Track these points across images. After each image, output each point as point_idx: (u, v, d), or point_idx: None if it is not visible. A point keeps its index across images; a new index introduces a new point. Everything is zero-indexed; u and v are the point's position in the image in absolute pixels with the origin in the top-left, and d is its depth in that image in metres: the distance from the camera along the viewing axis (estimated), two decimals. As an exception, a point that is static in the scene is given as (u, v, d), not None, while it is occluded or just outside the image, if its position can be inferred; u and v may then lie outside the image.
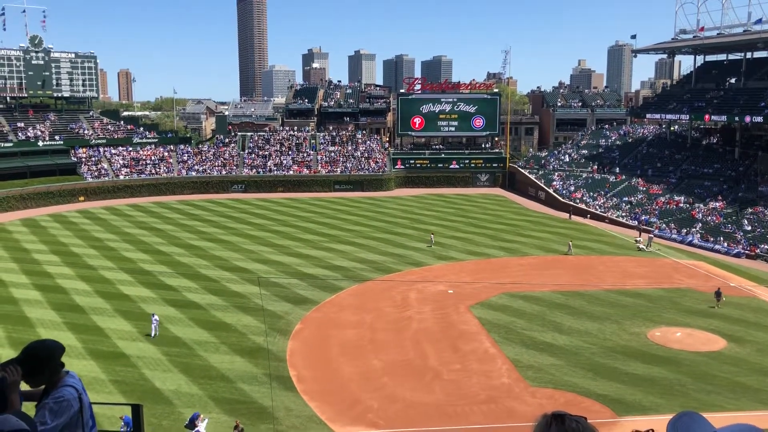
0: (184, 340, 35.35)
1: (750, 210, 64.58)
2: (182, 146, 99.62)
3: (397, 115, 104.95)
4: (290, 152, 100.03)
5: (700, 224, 64.61)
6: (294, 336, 36.31)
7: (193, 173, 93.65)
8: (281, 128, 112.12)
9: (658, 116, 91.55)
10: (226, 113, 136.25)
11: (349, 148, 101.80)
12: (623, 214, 72.97)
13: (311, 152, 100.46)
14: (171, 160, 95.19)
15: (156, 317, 36.75)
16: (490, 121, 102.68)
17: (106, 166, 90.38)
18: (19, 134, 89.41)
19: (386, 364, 32.53)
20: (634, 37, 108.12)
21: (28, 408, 4.25)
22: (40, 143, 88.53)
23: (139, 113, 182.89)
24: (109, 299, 42.34)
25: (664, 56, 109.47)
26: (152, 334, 35.80)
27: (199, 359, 32.82)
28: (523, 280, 47.49)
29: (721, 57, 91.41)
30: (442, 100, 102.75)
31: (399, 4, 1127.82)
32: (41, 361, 4.38)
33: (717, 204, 68.12)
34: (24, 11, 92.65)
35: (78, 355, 32.28)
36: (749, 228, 60.96)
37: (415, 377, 30.95)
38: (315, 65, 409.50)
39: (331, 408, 28.01)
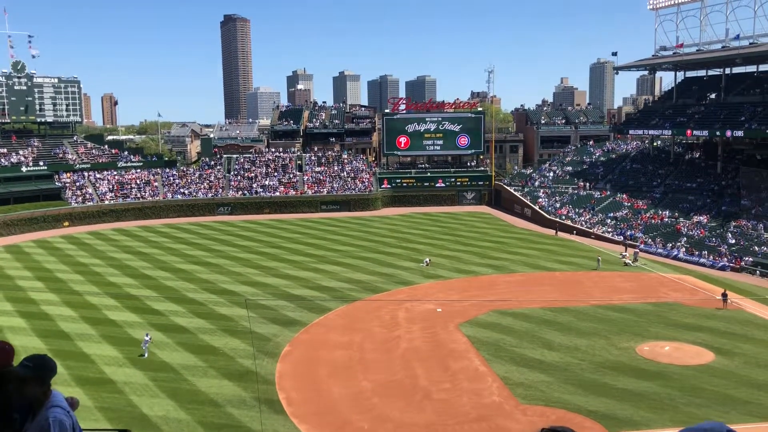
0: (172, 364, 34.98)
1: (734, 223, 65.21)
2: (168, 169, 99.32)
3: (383, 135, 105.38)
4: (276, 173, 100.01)
5: (685, 238, 65.11)
6: (282, 358, 36.04)
7: (179, 196, 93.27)
8: (267, 150, 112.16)
9: (640, 132, 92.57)
10: (212, 136, 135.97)
11: (336, 168, 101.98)
12: (609, 229, 73.44)
13: (297, 173, 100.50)
14: (156, 184, 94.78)
15: (148, 336, 36.87)
16: (475, 139, 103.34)
17: (90, 190, 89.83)
18: (2, 160, 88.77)
19: (376, 384, 32.34)
20: (615, 54, 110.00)
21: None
22: (24, 169, 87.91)
23: (124, 137, 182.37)
24: (94, 325, 41.87)
25: (645, 73, 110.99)
26: (144, 355, 36.11)
27: (187, 384, 32.46)
28: (512, 297, 47.54)
29: (701, 73, 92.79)
30: (427, 119, 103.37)
31: (383, 25, 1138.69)
32: (48, 371, 4.68)
33: (701, 218, 68.74)
34: (9, 37, 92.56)
35: (64, 383, 31.76)
36: (733, 241, 61.50)
37: (405, 397, 30.77)
38: (300, 87, 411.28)
39: (321, 430, 27.76)
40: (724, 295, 45.31)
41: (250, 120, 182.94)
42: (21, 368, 4.62)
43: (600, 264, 57.64)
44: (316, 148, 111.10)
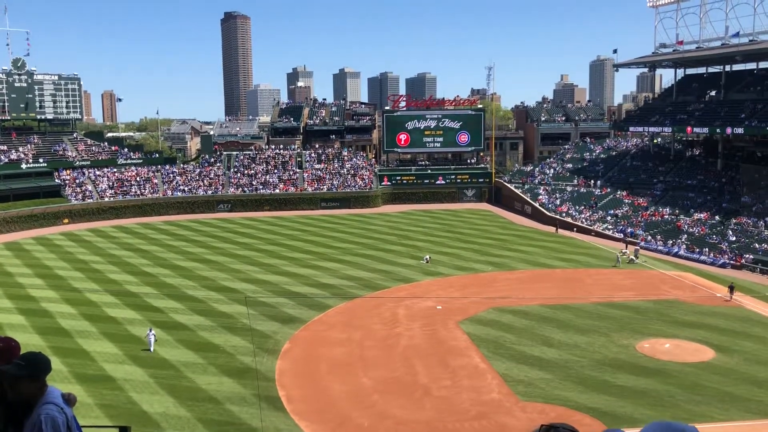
0: (172, 361, 34.99)
1: (734, 220, 65.19)
2: (167, 166, 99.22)
3: (383, 132, 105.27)
4: (276, 171, 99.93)
5: (686, 235, 65.08)
6: (282, 355, 36.04)
7: (179, 193, 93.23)
8: (267, 147, 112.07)
9: (641, 129, 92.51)
10: (212, 133, 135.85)
11: (336, 165, 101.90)
12: (609, 226, 73.39)
13: (297, 170, 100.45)
14: (156, 181, 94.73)
15: (153, 332, 36.99)
16: (475, 136, 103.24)
17: (90, 187, 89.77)
18: (2, 157, 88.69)
19: (376, 381, 32.35)
20: (615, 51, 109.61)
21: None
22: (24, 166, 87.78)
23: (124, 134, 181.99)
24: (94, 322, 41.87)
25: (645, 70, 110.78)
26: (150, 349, 36.27)
27: (187, 381, 32.47)
28: (512, 294, 47.53)
29: (701, 70, 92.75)
30: (427, 116, 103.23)
31: (383, 22, 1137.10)
32: (42, 369, 4.65)
33: (702, 215, 68.71)
34: (7, 34, 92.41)
35: (64, 380, 31.80)
36: (734, 238, 61.47)
37: (405, 394, 30.78)
38: (300, 84, 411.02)
39: (322, 427, 27.76)
40: (731, 287, 45.91)
41: (250, 117, 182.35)
42: (14, 366, 4.58)
43: (619, 261, 57.42)
44: (316, 145, 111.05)
